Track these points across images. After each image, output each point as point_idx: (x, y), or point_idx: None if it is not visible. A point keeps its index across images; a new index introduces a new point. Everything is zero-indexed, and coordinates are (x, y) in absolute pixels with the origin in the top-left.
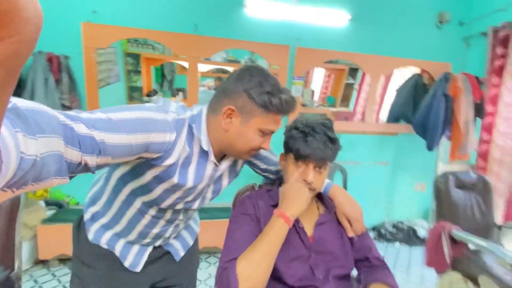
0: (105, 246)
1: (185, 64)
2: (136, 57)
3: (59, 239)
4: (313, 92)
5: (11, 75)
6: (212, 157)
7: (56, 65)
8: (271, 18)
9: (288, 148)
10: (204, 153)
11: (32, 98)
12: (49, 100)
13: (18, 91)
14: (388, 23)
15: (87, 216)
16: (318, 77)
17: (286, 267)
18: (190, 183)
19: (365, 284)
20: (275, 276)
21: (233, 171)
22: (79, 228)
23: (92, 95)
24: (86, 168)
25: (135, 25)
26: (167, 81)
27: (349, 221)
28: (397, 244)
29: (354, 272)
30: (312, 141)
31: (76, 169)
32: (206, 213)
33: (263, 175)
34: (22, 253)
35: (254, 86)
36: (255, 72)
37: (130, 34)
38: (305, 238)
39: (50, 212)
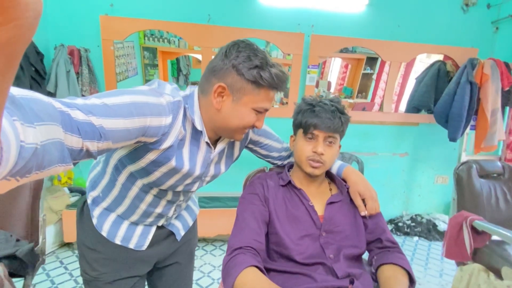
0: (105, 235)
1: (200, 57)
2: (152, 51)
3: None
4: (329, 83)
5: (11, 62)
6: (206, 138)
7: (77, 58)
8: (284, 6)
9: (297, 125)
10: (197, 134)
11: (55, 89)
12: (72, 91)
13: (43, 83)
14: (409, 7)
15: (89, 201)
16: (335, 68)
17: (295, 244)
18: (186, 166)
19: (377, 266)
20: (284, 254)
21: (230, 157)
22: (82, 213)
23: (111, 87)
24: (88, 154)
25: (150, 17)
26: (183, 75)
27: (363, 201)
28: (415, 238)
29: (365, 256)
30: (320, 111)
31: (78, 156)
32: (220, 201)
33: (266, 160)
34: (49, 235)
35: (242, 61)
36: (242, 47)
37: (146, 26)
38: (316, 217)
39: (74, 199)
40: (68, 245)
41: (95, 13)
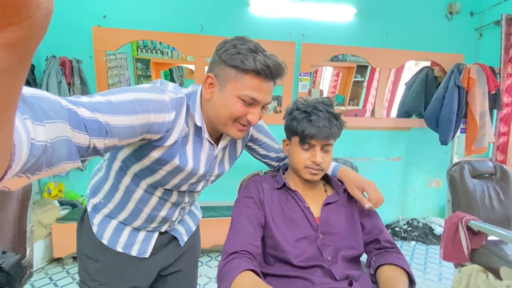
0: (105, 243)
1: (193, 68)
2: (145, 62)
3: (73, 238)
4: (321, 91)
5: (24, 61)
6: (206, 134)
7: (69, 69)
8: (276, 16)
9: (291, 131)
10: (198, 130)
11: None
12: None
13: None
14: (396, 16)
15: (89, 209)
16: (326, 77)
17: (292, 247)
18: (190, 164)
19: (376, 267)
20: (280, 257)
21: (233, 155)
22: (83, 221)
23: None
24: (95, 151)
25: (143, 28)
26: None
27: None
28: (412, 243)
29: (364, 258)
30: (317, 120)
31: (85, 153)
32: (215, 211)
33: (263, 162)
34: (38, 250)
35: (227, 49)
36: (232, 39)
37: (138, 36)
38: (312, 219)
39: (64, 212)
40: (57, 260)
41: (87, 24)
